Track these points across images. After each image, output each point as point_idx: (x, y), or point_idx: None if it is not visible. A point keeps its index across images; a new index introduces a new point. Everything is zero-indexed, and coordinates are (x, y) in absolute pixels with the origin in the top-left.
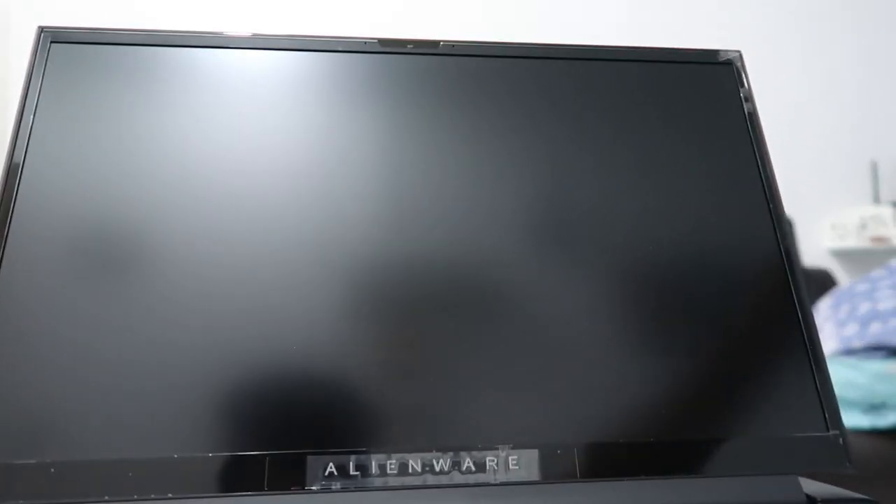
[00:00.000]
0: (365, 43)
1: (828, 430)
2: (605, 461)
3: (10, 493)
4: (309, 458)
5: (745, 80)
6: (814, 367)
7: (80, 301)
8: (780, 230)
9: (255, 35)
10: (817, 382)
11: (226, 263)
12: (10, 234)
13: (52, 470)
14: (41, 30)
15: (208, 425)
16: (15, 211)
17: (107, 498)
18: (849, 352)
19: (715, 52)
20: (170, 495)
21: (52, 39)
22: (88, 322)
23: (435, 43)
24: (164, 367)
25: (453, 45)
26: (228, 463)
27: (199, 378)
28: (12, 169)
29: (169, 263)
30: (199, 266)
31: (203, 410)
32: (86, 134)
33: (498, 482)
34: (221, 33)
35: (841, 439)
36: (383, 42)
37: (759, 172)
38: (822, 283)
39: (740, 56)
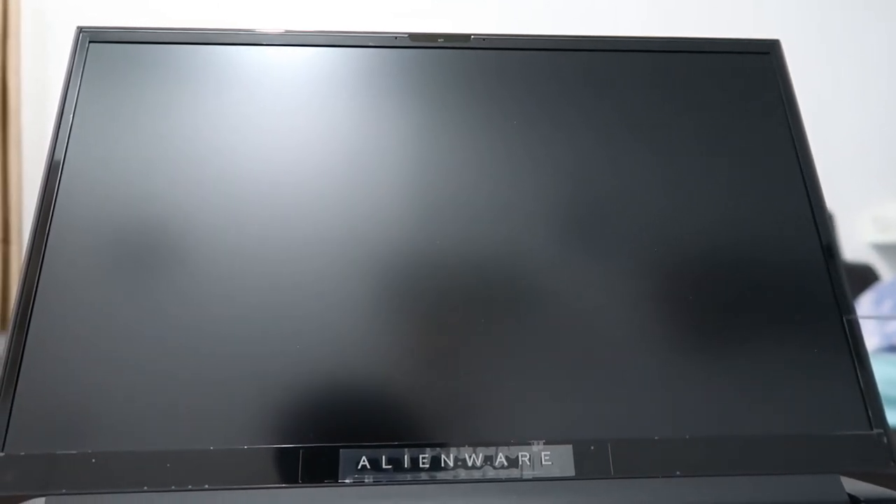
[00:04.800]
0: (395, 38)
1: (871, 428)
2: (640, 458)
3: (53, 482)
4: (342, 451)
5: (783, 69)
6: (856, 364)
7: (120, 294)
8: (820, 224)
9: (286, 32)
10: (860, 380)
11: (261, 258)
12: (52, 230)
13: (94, 460)
14: (80, 30)
15: (244, 419)
16: (56, 206)
17: (146, 488)
18: (892, 349)
19: (752, 41)
20: (206, 486)
21: (90, 39)
22: (128, 315)
23: (465, 36)
24: (202, 361)
25: (484, 39)
26: (263, 456)
27: (236, 372)
28: (53, 166)
29: (206, 258)
30: (235, 260)
31: (239, 404)
32: (124, 131)
33: (530, 478)
34: (254, 30)
35: (885, 438)
36: (413, 36)
37: (799, 164)
38: (864, 277)
39: (778, 44)
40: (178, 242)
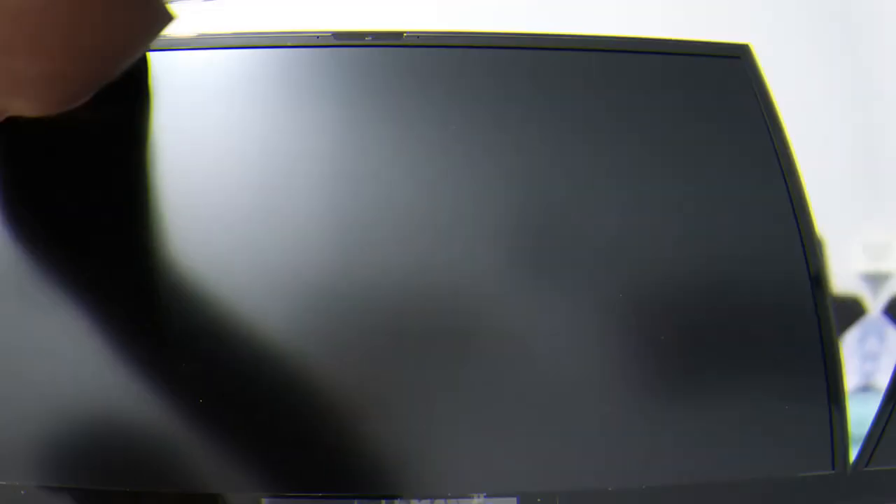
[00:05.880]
0: (317, 37)
1: (833, 468)
2: None
3: None
4: (267, 500)
5: (758, 76)
6: (831, 404)
7: (46, 327)
8: (808, 250)
9: (199, 35)
10: (832, 419)
11: (167, 285)
12: None
13: (23, 492)
14: None
15: (164, 461)
16: None
17: None
18: (869, 388)
19: (722, 45)
20: None
21: None
22: (54, 353)
23: (398, 34)
24: (123, 401)
25: (419, 36)
26: (181, 501)
27: (154, 415)
28: None
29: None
30: (151, 285)
31: (160, 447)
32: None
33: None
34: (165, 34)
35: (844, 477)
36: (338, 35)
37: (785, 181)
38: (852, 310)
39: (749, 49)
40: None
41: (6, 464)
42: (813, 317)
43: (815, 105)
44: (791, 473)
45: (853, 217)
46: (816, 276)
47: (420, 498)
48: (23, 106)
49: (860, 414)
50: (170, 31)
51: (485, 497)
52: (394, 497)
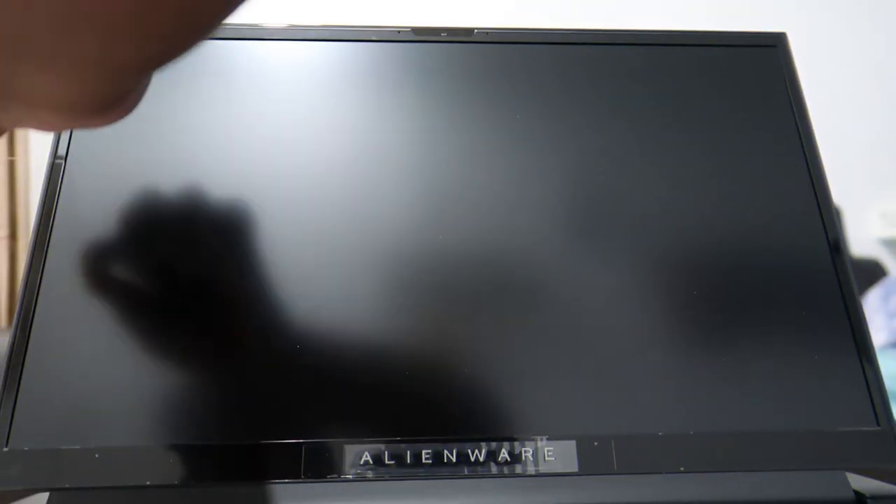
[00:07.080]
0: (398, 32)
1: (878, 424)
2: (644, 454)
3: (57, 477)
4: (346, 446)
5: (789, 63)
6: (863, 360)
7: (122, 291)
8: (826, 219)
9: (291, 26)
10: (866, 375)
11: (264, 253)
12: (54, 226)
13: (97, 455)
14: None
15: (247, 414)
16: (59, 203)
17: (148, 483)
18: None
19: (758, 34)
20: (209, 482)
21: None
22: (130, 312)
23: (469, 30)
24: (203, 358)
25: (487, 33)
26: (266, 451)
27: (238, 368)
28: (56, 162)
29: (209, 252)
30: (237, 256)
31: (241, 399)
32: (125, 127)
33: (534, 473)
34: (258, 25)
35: (891, 434)
36: (417, 31)
37: (805, 159)
38: (872, 273)
39: (785, 37)
40: (179, 239)
41: (80, 429)
42: (835, 281)
43: (836, 89)
44: (834, 428)
45: (871, 190)
46: (835, 243)
47: (489, 441)
48: (51, 92)
49: (892, 368)
50: (264, 22)
51: (546, 440)
52: (464, 440)
